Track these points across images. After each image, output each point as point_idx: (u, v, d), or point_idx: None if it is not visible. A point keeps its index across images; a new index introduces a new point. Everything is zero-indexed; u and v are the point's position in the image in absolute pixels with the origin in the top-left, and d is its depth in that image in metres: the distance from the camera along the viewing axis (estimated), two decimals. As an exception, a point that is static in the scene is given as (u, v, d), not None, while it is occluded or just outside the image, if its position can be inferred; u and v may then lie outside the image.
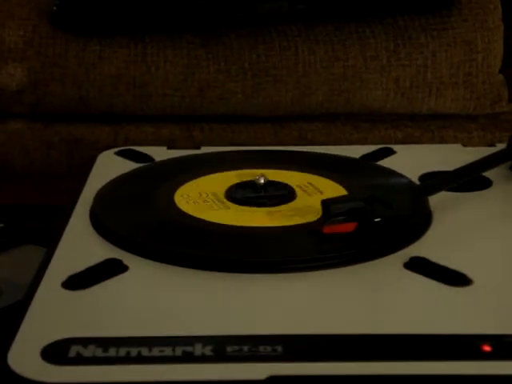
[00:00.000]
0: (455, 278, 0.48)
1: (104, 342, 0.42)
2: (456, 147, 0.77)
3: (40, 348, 0.41)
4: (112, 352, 0.41)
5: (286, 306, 0.46)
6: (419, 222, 0.56)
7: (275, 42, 0.92)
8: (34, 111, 0.92)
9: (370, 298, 0.48)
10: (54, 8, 0.91)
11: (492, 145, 0.75)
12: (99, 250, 0.53)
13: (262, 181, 0.60)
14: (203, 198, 0.60)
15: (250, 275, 0.49)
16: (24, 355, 0.41)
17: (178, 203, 0.59)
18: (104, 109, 0.91)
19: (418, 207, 0.56)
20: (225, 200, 0.60)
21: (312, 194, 0.61)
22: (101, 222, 0.56)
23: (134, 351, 0.41)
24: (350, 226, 0.53)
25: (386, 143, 0.79)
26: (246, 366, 0.40)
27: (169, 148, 0.76)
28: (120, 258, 0.51)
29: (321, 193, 0.61)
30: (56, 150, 0.91)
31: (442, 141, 0.93)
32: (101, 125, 0.92)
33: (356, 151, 0.73)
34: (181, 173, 0.66)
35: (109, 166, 0.70)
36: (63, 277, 0.49)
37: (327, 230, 0.53)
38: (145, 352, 0.41)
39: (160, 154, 0.72)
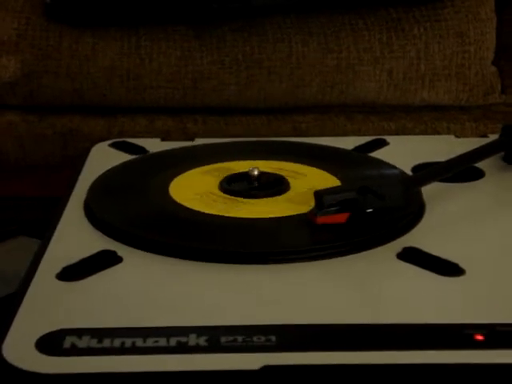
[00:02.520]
0: (448, 268, 0.49)
1: (98, 333, 0.42)
2: (449, 138, 0.78)
3: (35, 339, 0.41)
4: (106, 343, 0.41)
5: (280, 297, 0.46)
6: (412, 213, 0.56)
7: (268, 34, 0.91)
8: (27, 103, 0.92)
9: (363, 288, 0.48)
10: (48, 0, 0.90)
11: (485, 136, 0.75)
12: (93, 242, 0.53)
13: (256, 172, 0.60)
14: (197, 190, 0.60)
15: (243, 266, 0.49)
16: (19, 346, 0.41)
17: (172, 195, 0.59)
18: (98, 101, 0.91)
19: (410, 198, 0.56)
20: (219, 191, 0.60)
21: (305, 185, 0.61)
22: (95, 213, 0.57)
23: (128, 342, 0.41)
24: (342, 217, 0.53)
25: (380, 135, 0.79)
26: (240, 357, 0.40)
27: (163, 140, 0.76)
28: (114, 249, 0.51)
29: (314, 184, 0.61)
30: (50, 142, 0.91)
31: (435, 132, 0.93)
32: (95, 117, 0.92)
33: (349, 142, 0.73)
34: (175, 164, 0.66)
35: (103, 158, 0.70)
36: (57, 268, 0.49)
37: (320, 220, 0.53)
38: (139, 343, 0.41)
39: (154, 145, 0.72)
